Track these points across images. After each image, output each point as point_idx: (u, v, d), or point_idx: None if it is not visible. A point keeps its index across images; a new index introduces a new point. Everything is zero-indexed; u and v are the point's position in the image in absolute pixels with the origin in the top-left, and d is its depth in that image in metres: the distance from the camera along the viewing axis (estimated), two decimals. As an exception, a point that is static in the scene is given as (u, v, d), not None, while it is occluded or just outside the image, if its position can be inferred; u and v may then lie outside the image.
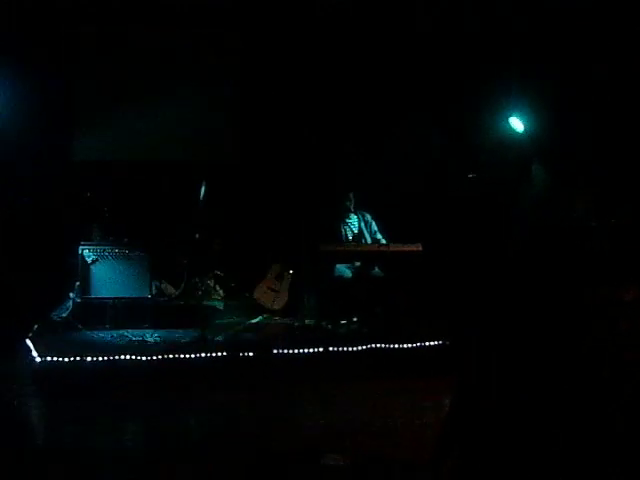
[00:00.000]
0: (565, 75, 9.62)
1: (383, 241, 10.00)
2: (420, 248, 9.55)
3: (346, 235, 10.15)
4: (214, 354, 8.29)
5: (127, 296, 9.46)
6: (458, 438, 4.51)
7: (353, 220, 10.22)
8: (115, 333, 9.09)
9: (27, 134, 10.05)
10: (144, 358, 8.09)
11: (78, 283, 9.43)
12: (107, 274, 9.44)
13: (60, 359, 7.86)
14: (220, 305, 10.26)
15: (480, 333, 4.56)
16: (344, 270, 9.88)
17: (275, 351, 8.48)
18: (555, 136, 9.94)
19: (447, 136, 10.87)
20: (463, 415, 4.57)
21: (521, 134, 10.57)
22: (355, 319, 9.72)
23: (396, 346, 8.76)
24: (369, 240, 10.10)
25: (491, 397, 4.30)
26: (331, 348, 8.61)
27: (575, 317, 4.09)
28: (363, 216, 10.23)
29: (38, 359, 7.90)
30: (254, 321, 10.03)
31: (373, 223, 10.22)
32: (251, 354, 8.36)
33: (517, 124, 10.55)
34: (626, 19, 8.93)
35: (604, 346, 3.90)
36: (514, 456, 4.09)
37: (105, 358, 7.98)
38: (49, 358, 7.87)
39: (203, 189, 9.33)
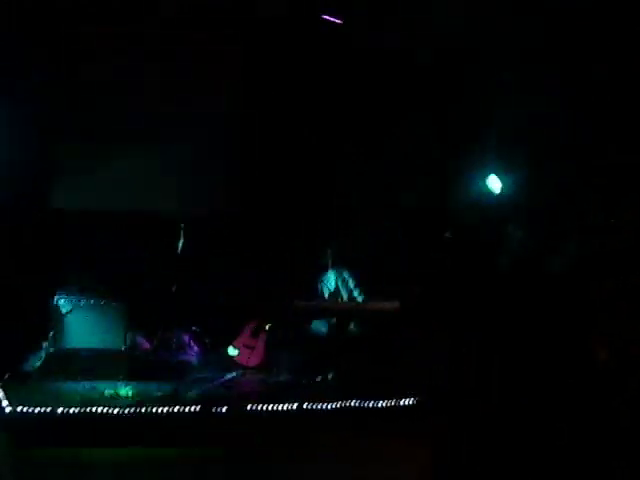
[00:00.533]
0: (542, 134, 9.79)
1: (359, 299, 10.00)
2: (397, 306, 9.55)
3: (322, 292, 10.15)
4: (187, 409, 8.18)
5: (101, 347, 9.36)
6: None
7: (330, 277, 10.23)
8: (88, 385, 8.95)
9: (3, 177, 9.99)
10: (116, 411, 7.96)
11: (52, 333, 9.33)
12: (82, 325, 9.36)
13: (31, 409, 7.72)
14: (194, 359, 10.18)
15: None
16: (320, 326, 9.86)
17: (249, 407, 8.39)
18: (533, 196, 10.05)
19: (424, 195, 10.95)
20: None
21: (498, 194, 10.65)
22: (330, 375, 9.66)
23: (370, 404, 8.69)
24: (345, 297, 10.11)
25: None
26: (305, 405, 8.53)
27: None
28: (340, 273, 10.24)
29: (8, 409, 7.75)
30: (229, 376, 9.94)
31: (350, 280, 10.22)
32: (224, 409, 8.26)
33: (495, 184, 10.62)
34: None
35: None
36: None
37: (77, 410, 7.85)
38: (19, 408, 7.72)
39: (182, 241, 9.33)
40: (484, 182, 10.68)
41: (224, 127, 11.32)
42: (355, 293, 10.13)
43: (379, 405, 8.65)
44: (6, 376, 8.90)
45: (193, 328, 10.58)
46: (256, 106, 11.32)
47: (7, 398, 7.96)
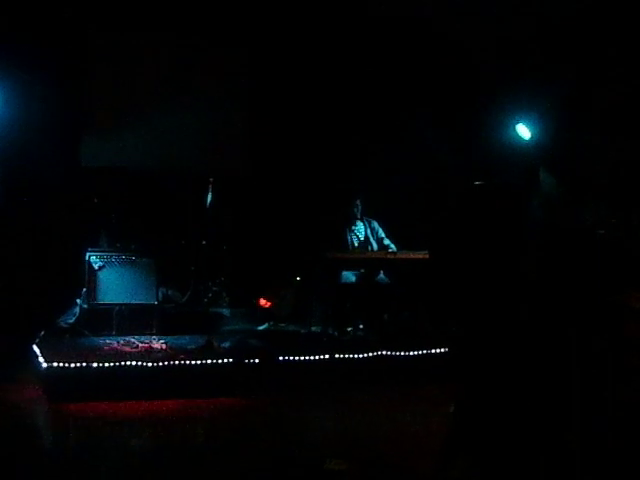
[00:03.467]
0: (574, 79, 9.61)
1: (392, 247, 9.99)
2: (427, 256, 9.53)
3: (352, 242, 10.15)
4: (220, 360, 8.28)
5: (134, 302, 9.47)
6: (463, 446, 4.50)
7: (359, 227, 10.22)
8: (121, 339, 9.09)
9: (36, 138, 10.06)
10: (150, 364, 8.08)
11: (85, 289, 9.45)
12: (114, 280, 9.46)
13: (66, 365, 7.85)
14: (227, 312, 10.26)
15: (484, 338, 4.55)
16: (350, 277, 9.88)
17: (281, 358, 8.47)
18: (563, 142, 9.93)
19: (455, 143, 10.85)
20: (467, 423, 4.56)
21: (528, 141, 10.56)
22: (361, 326, 9.72)
23: (402, 353, 8.75)
24: (375, 247, 10.11)
25: (496, 401, 4.29)
26: (337, 355, 8.60)
27: (584, 321, 4.08)
28: (369, 223, 10.24)
29: (44, 365, 7.89)
30: (260, 328, 10.03)
31: (380, 230, 10.22)
32: (257, 361, 8.35)
33: (524, 131, 10.54)
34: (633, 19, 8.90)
35: (609, 349, 3.90)
36: (519, 458, 4.08)
37: (111, 364, 7.98)
38: (55, 364, 7.86)
39: (210, 195, 9.36)
40: (514, 129, 10.60)
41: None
42: (385, 242, 10.12)
43: (410, 354, 8.72)
44: (42, 333, 9.06)
45: (224, 279, 10.62)
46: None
47: (43, 354, 8.11)
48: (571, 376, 3.95)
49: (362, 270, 9.92)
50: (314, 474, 5.73)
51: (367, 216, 10.27)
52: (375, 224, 10.24)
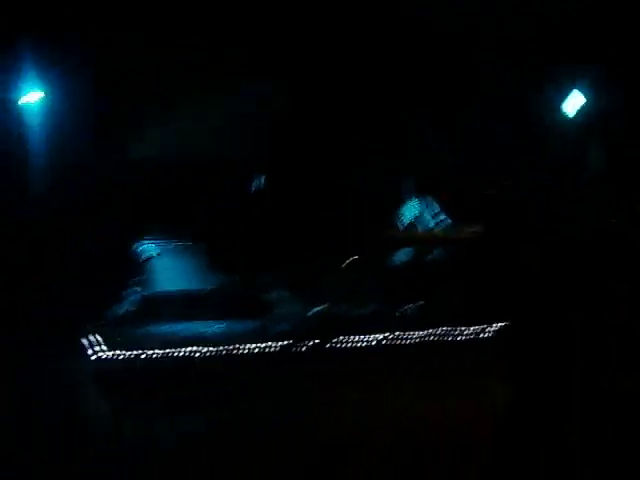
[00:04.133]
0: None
1: (444, 224, 9.88)
2: (481, 231, 9.42)
3: (406, 220, 10.04)
4: (277, 343, 8.28)
5: (189, 288, 9.52)
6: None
7: (414, 204, 10.11)
8: (179, 325, 9.13)
9: (84, 135, 10.15)
10: (209, 349, 8.11)
11: (141, 277, 9.52)
12: (168, 267, 9.52)
13: (125, 353, 7.93)
14: (281, 295, 10.24)
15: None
16: (405, 255, 9.79)
17: (340, 338, 8.45)
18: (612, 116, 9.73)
19: (509, 117, 10.65)
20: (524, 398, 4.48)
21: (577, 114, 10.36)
22: (421, 303, 9.62)
23: (460, 329, 8.66)
24: (431, 224, 10.00)
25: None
26: (397, 333, 8.55)
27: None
28: (424, 199, 10.12)
29: (106, 354, 7.97)
30: (315, 310, 9.99)
31: (434, 204, 10.10)
32: (315, 342, 8.34)
33: (573, 104, 10.34)
34: None
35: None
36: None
37: (170, 351, 8.03)
38: (114, 353, 7.94)
39: (261, 181, 9.36)
40: (563, 103, 10.40)
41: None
42: (440, 217, 10.01)
43: (466, 331, 8.62)
44: (102, 322, 9.16)
45: (278, 263, 10.56)
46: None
47: (105, 343, 8.19)
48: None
49: (415, 249, 9.82)
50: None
51: (421, 193, 10.16)
52: (429, 199, 10.12)
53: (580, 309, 3.93)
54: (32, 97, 9.72)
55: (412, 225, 9.98)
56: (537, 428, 3.98)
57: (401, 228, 9.94)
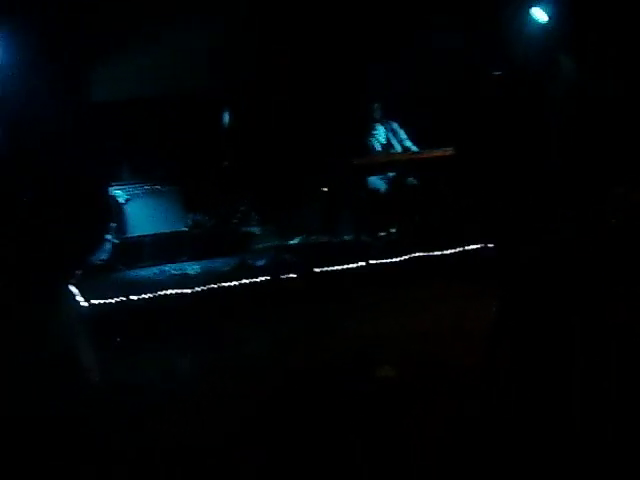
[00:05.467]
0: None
1: (414, 148, 9.86)
2: (451, 152, 9.41)
3: (374, 146, 10.00)
4: (256, 279, 8.27)
5: (163, 231, 9.46)
6: (508, 337, 4.46)
7: (380, 131, 10.07)
8: (156, 269, 9.10)
9: (42, 79, 9.92)
10: (187, 291, 8.09)
11: (114, 224, 9.44)
12: (141, 212, 9.45)
13: (105, 301, 7.89)
14: (257, 230, 10.23)
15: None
16: (378, 182, 9.77)
17: (317, 270, 8.45)
18: (580, 23, 9.67)
19: (469, 32, 10.56)
20: (511, 316, 4.51)
21: (545, 24, 10.31)
22: (393, 230, 9.64)
23: (437, 253, 8.69)
24: (399, 148, 9.97)
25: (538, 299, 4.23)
26: (372, 261, 8.56)
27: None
28: (390, 125, 10.07)
29: (84, 303, 7.93)
30: (292, 242, 10.00)
31: (400, 131, 10.07)
32: (293, 275, 8.33)
33: (540, 14, 10.28)
34: None
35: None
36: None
37: (149, 295, 7.99)
38: (94, 301, 7.89)
39: (227, 115, 9.25)
40: (530, 12, 10.34)
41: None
42: (407, 143, 9.98)
43: (445, 253, 8.65)
44: (77, 272, 9.09)
45: (250, 198, 10.52)
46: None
47: (81, 293, 8.14)
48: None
49: (388, 174, 9.81)
50: (366, 382, 5.73)
51: (386, 118, 10.10)
52: (395, 125, 10.09)
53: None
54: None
55: (380, 151, 9.94)
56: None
57: (371, 155, 9.89)
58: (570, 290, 4.00)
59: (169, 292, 8.03)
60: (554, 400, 3.92)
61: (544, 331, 4.09)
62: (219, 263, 9.10)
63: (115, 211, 9.39)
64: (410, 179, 9.77)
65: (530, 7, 10.34)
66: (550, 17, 10.27)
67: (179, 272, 8.87)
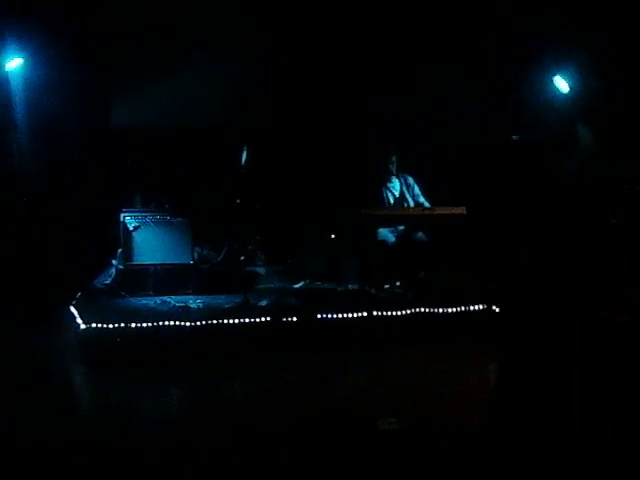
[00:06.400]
0: (610, 34, 9.40)
1: (427, 204, 9.89)
2: (464, 211, 9.43)
3: (388, 199, 10.03)
4: (257, 319, 8.24)
5: (169, 262, 9.43)
6: (510, 399, 4.43)
7: (395, 183, 10.10)
8: (158, 299, 9.07)
9: (63, 103, 10.01)
10: (187, 324, 8.06)
11: (120, 250, 9.42)
12: (149, 240, 9.40)
13: (104, 326, 7.86)
14: (262, 270, 10.21)
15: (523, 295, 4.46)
16: (387, 234, 9.77)
17: (319, 316, 8.42)
18: (601, 95, 9.73)
19: (490, 97, 10.65)
20: (513, 377, 4.48)
21: (566, 94, 10.40)
22: (398, 283, 9.62)
23: (440, 310, 8.66)
24: (412, 203, 9.99)
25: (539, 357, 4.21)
26: (375, 312, 8.53)
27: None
28: (405, 179, 10.11)
29: (83, 326, 7.90)
30: (297, 286, 9.97)
31: (415, 186, 10.09)
32: (294, 319, 8.30)
33: (562, 84, 10.37)
34: None
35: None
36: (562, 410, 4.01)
37: (149, 324, 7.96)
38: (93, 325, 7.87)
39: (245, 154, 9.30)
40: (551, 82, 10.43)
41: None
42: (421, 199, 10.00)
43: (448, 311, 8.62)
44: (78, 295, 9.07)
45: (258, 238, 10.54)
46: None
47: (81, 316, 8.12)
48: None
49: (399, 227, 9.82)
50: (367, 434, 5.66)
51: (403, 172, 10.14)
52: (411, 180, 10.10)
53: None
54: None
55: (394, 204, 9.96)
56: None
57: (383, 206, 9.91)
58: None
59: (169, 323, 7.99)
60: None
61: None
62: (222, 300, 9.07)
63: (123, 237, 9.35)
64: (420, 234, 9.76)
65: (553, 76, 10.42)
66: (571, 88, 10.35)
67: (181, 304, 8.82)
